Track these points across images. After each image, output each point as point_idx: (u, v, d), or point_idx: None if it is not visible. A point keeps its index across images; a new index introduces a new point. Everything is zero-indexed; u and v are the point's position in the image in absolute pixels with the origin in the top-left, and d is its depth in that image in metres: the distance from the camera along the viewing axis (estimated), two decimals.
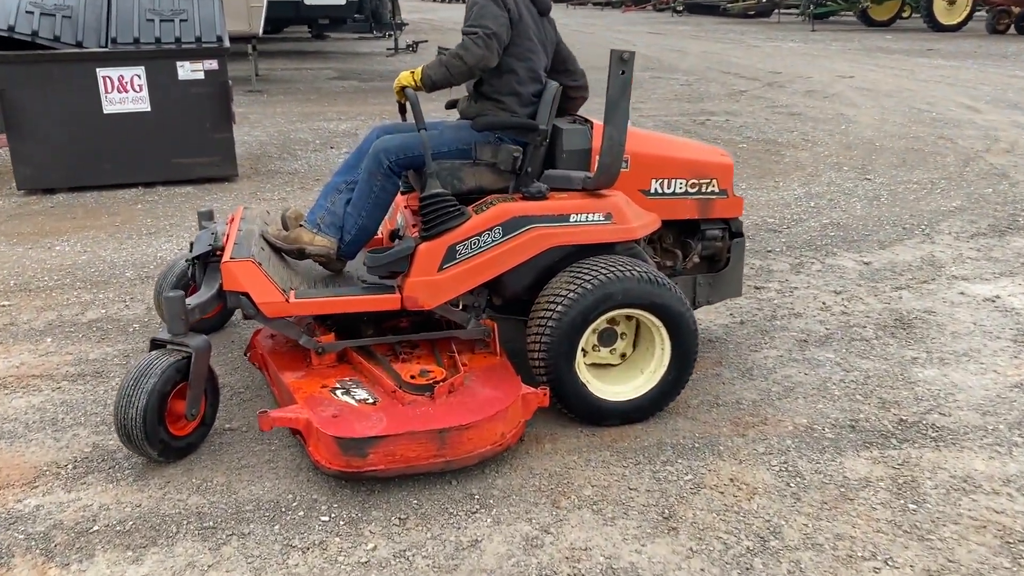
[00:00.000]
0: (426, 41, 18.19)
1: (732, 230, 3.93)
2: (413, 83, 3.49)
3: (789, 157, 8.42)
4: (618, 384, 3.45)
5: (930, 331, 4.36)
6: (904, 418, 3.51)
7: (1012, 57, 17.15)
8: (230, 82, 7.06)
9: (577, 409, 3.36)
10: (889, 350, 4.15)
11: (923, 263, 5.38)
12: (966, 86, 13.11)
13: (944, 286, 4.98)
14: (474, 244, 3.31)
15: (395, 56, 17.35)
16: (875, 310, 4.64)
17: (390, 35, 18.52)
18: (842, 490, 3.02)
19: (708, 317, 4.46)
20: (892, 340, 4.26)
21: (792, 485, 3.05)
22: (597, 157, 3.57)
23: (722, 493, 3.00)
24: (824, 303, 4.73)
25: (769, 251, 5.58)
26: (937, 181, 7.48)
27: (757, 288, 4.90)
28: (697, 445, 3.30)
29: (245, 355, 3.82)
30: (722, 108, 11.24)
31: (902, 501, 2.95)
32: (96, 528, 2.81)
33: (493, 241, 3.32)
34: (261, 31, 13.07)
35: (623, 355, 3.56)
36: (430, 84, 3.47)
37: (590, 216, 3.38)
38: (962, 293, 4.87)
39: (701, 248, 3.90)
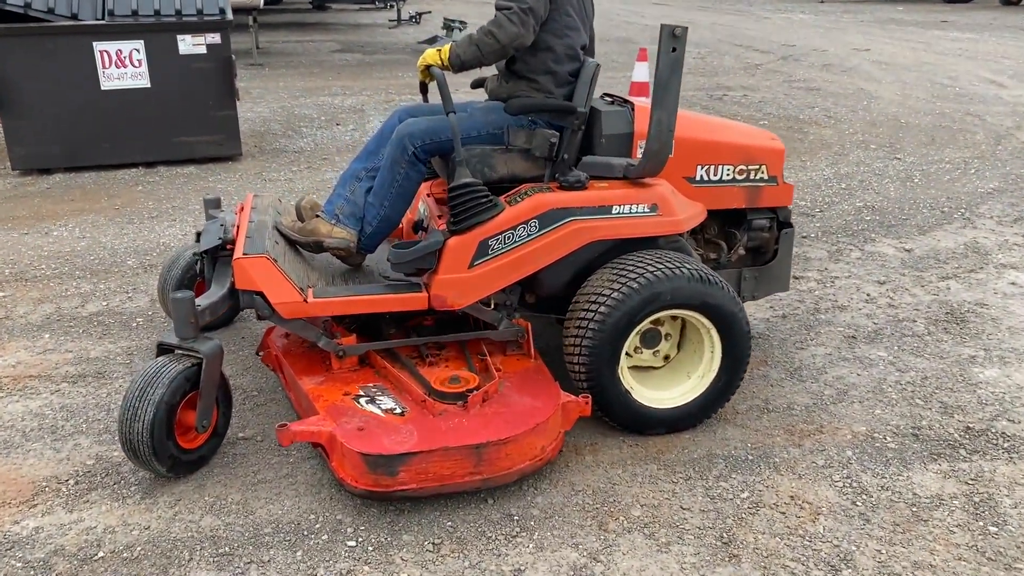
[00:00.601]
0: (429, 12, 17.75)
1: (780, 219, 3.65)
2: (439, 62, 3.20)
3: (813, 135, 8.11)
4: (663, 389, 3.20)
5: (985, 326, 4.10)
6: (970, 425, 3.26)
7: None
8: (233, 57, 6.74)
9: (620, 418, 3.11)
10: (944, 347, 3.89)
11: (967, 250, 5.11)
12: (986, 60, 12.75)
13: (993, 276, 4.71)
14: (508, 239, 3.04)
15: (398, 28, 16.93)
16: (923, 302, 4.37)
17: (392, 6, 18.07)
18: (914, 509, 2.77)
19: (747, 311, 4.18)
20: (945, 336, 4.00)
21: (859, 504, 2.80)
22: (639, 142, 3.30)
23: (784, 513, 2.75)
24: (868, 295, 4.46)
25: (804, 236, 5.30)
26: (970, 160, 7.19)
27: (796, 278, 4.63)
28: (751, 457, 3.05)
29: (257, 355, 3.55)
30: (738, 83, 10.91)
31: (981, 523, 2.71)
32: (101, 555, 2.56)
33: (529, 235, 3.05)
34: (262, 2, 12.67)
35: (666, 357, 3.30)
36: (458, 64, 3.18)
37: (634, 208, 3.11)
38: (1013, 283, 4.60)
39: (747, 239, 3.62)
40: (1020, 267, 4.83)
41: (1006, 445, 3.13)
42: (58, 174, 6.59)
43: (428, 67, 3.25)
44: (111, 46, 6.39)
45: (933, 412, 3.35)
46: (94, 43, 6.36)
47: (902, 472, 2.97)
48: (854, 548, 2.59)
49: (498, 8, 3.11)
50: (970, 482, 2.92)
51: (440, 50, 3.22)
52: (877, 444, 3.14)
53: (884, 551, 2.58)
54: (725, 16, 19.81)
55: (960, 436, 3.19)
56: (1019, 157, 7.27)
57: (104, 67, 6.43)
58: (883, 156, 7.34)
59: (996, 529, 2.68)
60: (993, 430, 3.23)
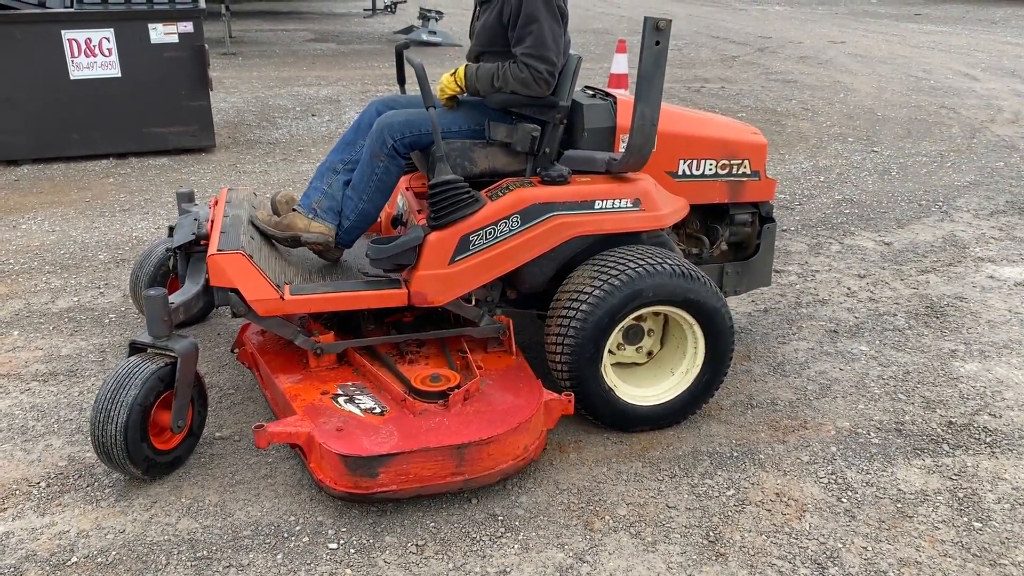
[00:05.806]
0: (405, 1, 17.59)
1: (762, 214, 3.63)
2: (456, 87, 3.18)
3: (791, 127, 8.12)
4: (646, 386, 3.16)
5: (964, 320, 4.11)
6: (952, 420, 3.26)
7: (1001, 23, 16.93)
8: (206, 46, 6.61)
9: (604, 415, 3.07)
10: (924, 341, 3.89)
11: (945, 243, 5.13)
12: (960, 53, 12.86)
13: (971, 269, 4.73)
14: (489, 234, 2.99)
15: (373, 17, 16.79)
16: (903, 296, 4.38)
17: None
18: (899, 505, 2.76)
19: (729, 306, 4.17)
20: (926, 330, 4.00)
21: (844, 500, 2.79)
22: (621, 136, 3.26)
23: (769, 511, 2.73)
24: (849, 288, 4.46)
25: (784, 230, 5.30)
26: (946, 153, 7.23)
27: (777, 272, 4.62)
28: (735, 454, 3.03)
29: (232, 352, 3.48)
30: (715, 75, 10.90)
31: (965, 519, 2.70)
32: (74, 560, 2.49)
33: (511, 231, 3.00)
34: None
35: (649, 353, 3.27)
36: (472, 92, 3.20)
37: (617, 203, 3.07)
38: (991, 277, 4.62)
39: (729, 234, 3.60)
40: (997, 260, 4.86)
41: (988, 440, 3.13)
42: (26, 165, 6.45)
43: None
44: (80, 35, 6.25)
45: (915, 407, 3.35)
46: (63, 31, 6.21)
47: (886, 468, 2.96)
48: (840, 545, 2.58)
49: (525, 62, 3.02)
50: (954, 477, 2.92)
51: (455, 72, 3.17)
52: (861, 440, 3.13)
53: (870, 548, 2.57)
54: (701, 8, 19.84)
55: (943, 431, 3.19)
56: (994, 150, 7.33)
57: (73, 56, 6.28)
58: (860, 149, 7.36)
59: (980, 525, 2.68)
60: (975, 424, 3.23)
